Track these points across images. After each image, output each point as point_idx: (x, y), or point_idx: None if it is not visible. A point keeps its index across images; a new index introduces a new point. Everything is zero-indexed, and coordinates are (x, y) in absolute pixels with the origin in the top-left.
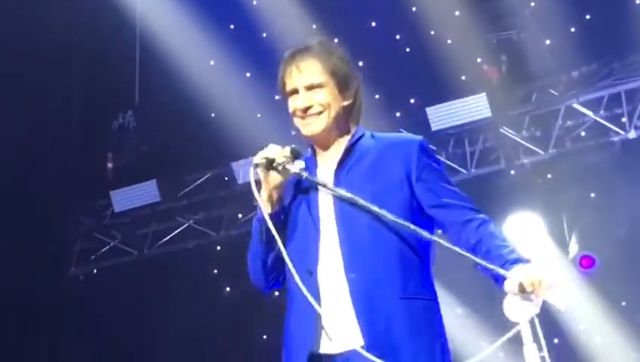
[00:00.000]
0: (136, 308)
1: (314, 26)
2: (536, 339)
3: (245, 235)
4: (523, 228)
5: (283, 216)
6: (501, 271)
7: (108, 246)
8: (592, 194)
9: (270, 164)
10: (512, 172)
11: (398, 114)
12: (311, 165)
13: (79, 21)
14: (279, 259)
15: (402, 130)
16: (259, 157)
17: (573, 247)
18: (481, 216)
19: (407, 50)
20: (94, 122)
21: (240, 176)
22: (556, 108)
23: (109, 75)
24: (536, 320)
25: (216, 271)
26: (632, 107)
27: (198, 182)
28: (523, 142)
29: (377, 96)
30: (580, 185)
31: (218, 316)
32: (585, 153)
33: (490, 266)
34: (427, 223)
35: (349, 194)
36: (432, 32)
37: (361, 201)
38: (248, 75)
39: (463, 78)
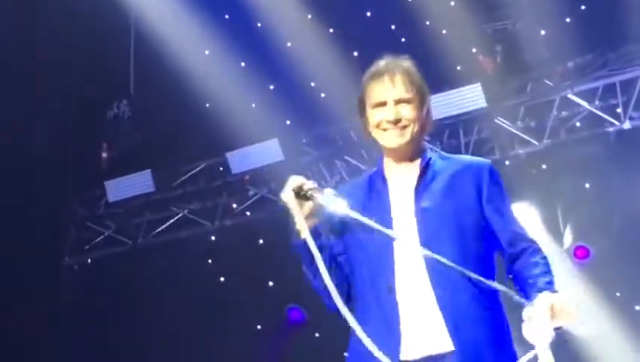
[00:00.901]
0: (131, 298)
1: (309, 16)
2: None
3: (239, 225)
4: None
5: (320, 238)
6: (526, 299)
7: (102, 236)
8: (587, 185)
9: (297, 193)
10: (507, 162)
11: None
12: (379, 181)
13: (75, 11)
14: (341, 276)
15: None
16: (286, 186)
17: (568, 238)
18: (535, 245)
19: (403, 40)
20: (89, 112)
21: (234, 166)
22: (551, 99)
23: (104, 65)
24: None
25: (210, 261)
26: (627, 97)
27: (193, 172)
28: (518, 132)
29: None
30: (575, 176)
31: (212, 305)
32: (580, 144)
33: (516, 296)
34: (493, 243)
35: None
36: (428, 23)
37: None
38: (243, 64)
39: (458, 68)
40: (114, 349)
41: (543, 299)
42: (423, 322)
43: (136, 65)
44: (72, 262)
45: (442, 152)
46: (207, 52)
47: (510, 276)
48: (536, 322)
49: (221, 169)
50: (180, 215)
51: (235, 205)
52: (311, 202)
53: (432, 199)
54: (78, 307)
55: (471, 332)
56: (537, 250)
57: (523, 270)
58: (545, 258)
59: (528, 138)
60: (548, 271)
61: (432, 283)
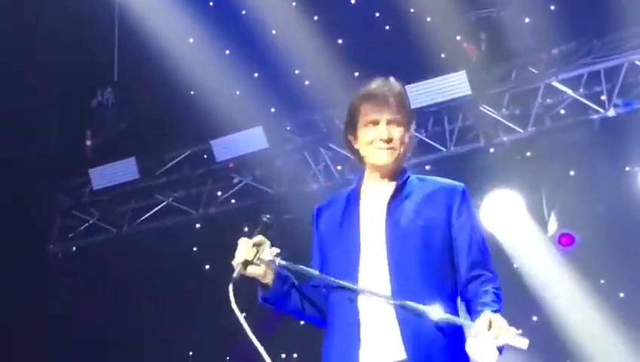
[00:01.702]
0: (116, 286)
1: (293, 4)
2: None
3: (224, 213)
4: (502, 206)
5: (285, 288)
6: (466, 322)
7: (87, 224)
8: (572, 172)
9: (246, 264)
10: (492, 150)
11: None
12: (354, 196)
13: None
14: (318, 303)
15: None
16: (235, 269)
17: (553, 225)
18: (491, 275)
19: (387, 27)
20: (73, 99)
21: (218, 153)
22: (536, 87)
23: (88, 52)
24: None
25: (195, 248)
26: (612, 85)
27: (177, 159)
28: (502, 120)
29: (357, 74)
30: (560, 163)
31: (197, 293)
32: (564, 131)
33: (458, 321)
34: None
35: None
36: (412, 10)
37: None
38: (227, 52)
39: (443, 55)
40: (99, 337)
41: (484, 316)
42: (380, 331)
43: (121, 52)
44: (56, 250)
45: (420, 175)
46: (191, 40)
47: (462, 302)
48: (479, 338)
49: (205, 157)
50: (165, 203)
51: (219, 193)
52: (260, 267)
53: (403, 214)
54: (63, 295)
55: (424, 342)
56: (491, 280)
57: (474, 298)
58: (497, 288)
59: (513, 125)
60: (497, 301)
61: (393, 294)
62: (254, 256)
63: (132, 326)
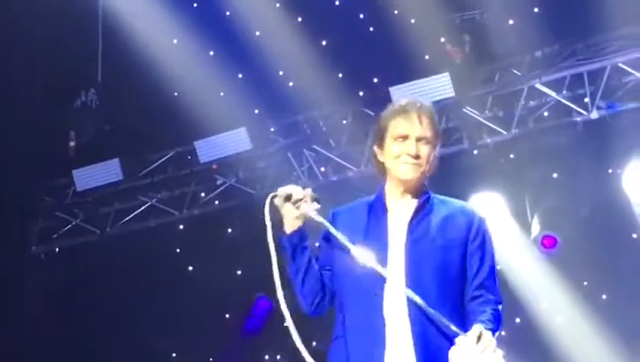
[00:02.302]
0: (98, 287)
1: (277, 5)
2: None
3: (207, 214)
4: (485, 208)
5: (301, 243)
6: (458, 331)
7: (70, 225)
8: (555, 175)
9: (287, 199)
10: (475, 152)
11: (361, 93)
12: (379, 208)
13: None
14: (316, 281)
15: (366, 110)
16: (279, 191)
17: (535, 227)
18: (494, 298)
19: (371, 29)
20: (57, 100)
21: (202, 155)
22: (519, 89)
23: (72, 53)
24: None
25: (178, 249)
26: (595, 87)
27: (161, 160)
28: (486, 122)
29: (340, 75)
30: (543, 165)
31: (180, 295)
32: (547, 133)
33: (453, 328)
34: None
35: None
36: (396, 12)
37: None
38: (211, 53)
39: (427, 57)
40: (81, 337)
41: (476, 328)
42: (399, 355)
43: (104, 53)
44: (39, 251)
45: (440, 196)
46: (175, 41)
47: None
48: (463, 347)
49: (189, 158)
50: (148, 204)
51: (203, 194)
52: (294, 209)
53: (424, 232)
54: (45, 296)
55: (433, 353)
56: (493, 302)
57: (472, 315)
58: (497, 311)
59: (496, 127)
60: (493, 321)
61: (410, 319)
62: (297, 199)
63: (115, 327)
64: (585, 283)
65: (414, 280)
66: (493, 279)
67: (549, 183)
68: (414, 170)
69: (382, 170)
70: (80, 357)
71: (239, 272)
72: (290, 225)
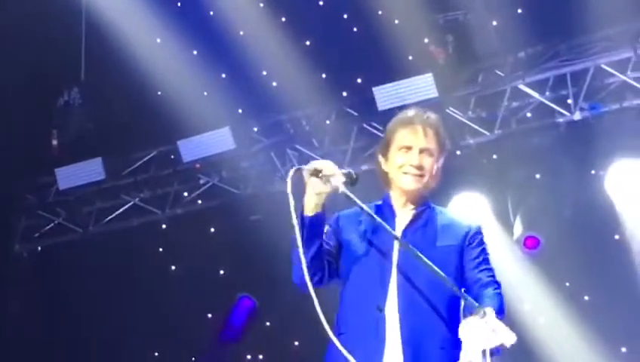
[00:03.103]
0: (81, 286)
1: (261, 5)
2: None
3: (190, 214)
4: (468, 209)
5: (318, 222)
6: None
7: (52, 224)
8: (537, 175)
9: (315, 173)
10: (458, 152)
11: (344, 93)
12: (388, 211)
13: None
14: (320, 260)
15: (349, 110)
16: (310, 164)
17: (518, 228)
18: (497, 284)
19: (355, 29)
20: (39, 99)
21: (185, 154)
22: (502, 90)
23: (55, 52)
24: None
25: (161, 249)
26: (578, 89)
27: (144, 160)
28: (469, 122)
29: (324, 76)
30: (525, 166)
31: (163, 294)
32: (530, 134)
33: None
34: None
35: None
36: (380, 12)
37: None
38: (195, 52)
39: (410, 58)
40: (63, 336)
41: (487, 308)
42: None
43: (88, 52)
44: (21, 250)
45: (438, 206)
46: (158, 40)
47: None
48: (476, 323)
49: (172, 157)
50: (131, 203)
51: (186, 193)
52: (320, 184)
53: (417, 241)
54: (27, 295)
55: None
56: (497, 284)
57: (480, 298)
58: (500, 294)
59: (479, 128)
60: (498, 304)
61: (399, 308)
62: (326, 174)
63: (97, 326)
64: (567, 284)
65: (404, 288)
66: (492, 271)
67: (531, 184)
68: (416, 181)
69: (385, 180)
70: (62, 355)
71: (222, 272)
72: (311, 201)
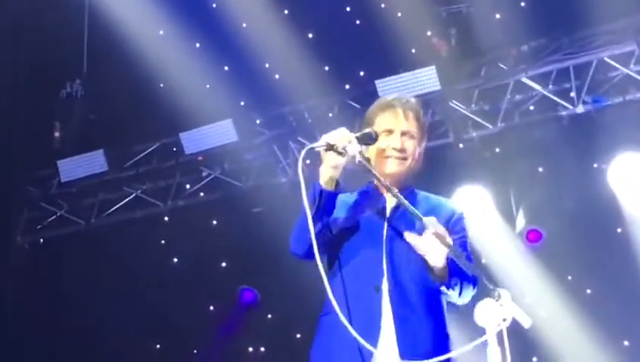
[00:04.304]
0: (83, 278)
1: None
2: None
3: (192, 206)
4: (471, 202)
5: (331, 197)
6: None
7: (54, 216)
8: (540, 169)
9: (330, 147)
10: (461, 145)
11: (347, 86)
12: (375, 194)
13: None
14: (324, 236)
15: (352, 103)
16: (322, 140)
17: (521, 221)
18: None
19: (357, 22)
20: (42, 91)
21: (187, 146)
22: (505, 83)
23: (57, 44)
24: (505, 332)
25: (163, 241)
26: (581, 82)
27: (146, 152)
28: (472, 115)
29: (327, 68)
30: (528, 159)
31: (165, 286)
32: (533, 127)
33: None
34: None
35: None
36: (383, 5)
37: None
38: (197, 45)
39: (413, 50)
40: (65, 328)
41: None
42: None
43: (90, 44)
44: (23, 242)
45: (422, 191)
46: (161, 32)
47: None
48: (488, 305)
49: (174, 149)
50: (133, 195)
51: (188, 186)
52: (336, 156)
53: (400, 223)
54: (29, 286)
55: (414, 340)
56: (471, 260)
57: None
58: (473, 275)
59: (482, 121)
60: (465, 270)
61: (390, 287)
62: (342, 146)
63: (98, 318)
64: (569, 277)
65: (394, 266)
66: (470, 255)
67: (534, 177)
68: (399, 164)
69: (365, 168)
70: (64, 347)
71: (224, 264)
72: (326, 174)
